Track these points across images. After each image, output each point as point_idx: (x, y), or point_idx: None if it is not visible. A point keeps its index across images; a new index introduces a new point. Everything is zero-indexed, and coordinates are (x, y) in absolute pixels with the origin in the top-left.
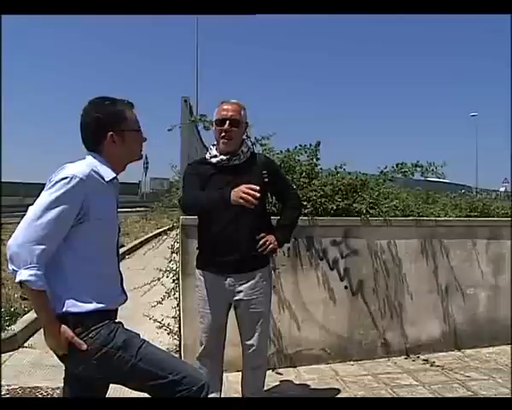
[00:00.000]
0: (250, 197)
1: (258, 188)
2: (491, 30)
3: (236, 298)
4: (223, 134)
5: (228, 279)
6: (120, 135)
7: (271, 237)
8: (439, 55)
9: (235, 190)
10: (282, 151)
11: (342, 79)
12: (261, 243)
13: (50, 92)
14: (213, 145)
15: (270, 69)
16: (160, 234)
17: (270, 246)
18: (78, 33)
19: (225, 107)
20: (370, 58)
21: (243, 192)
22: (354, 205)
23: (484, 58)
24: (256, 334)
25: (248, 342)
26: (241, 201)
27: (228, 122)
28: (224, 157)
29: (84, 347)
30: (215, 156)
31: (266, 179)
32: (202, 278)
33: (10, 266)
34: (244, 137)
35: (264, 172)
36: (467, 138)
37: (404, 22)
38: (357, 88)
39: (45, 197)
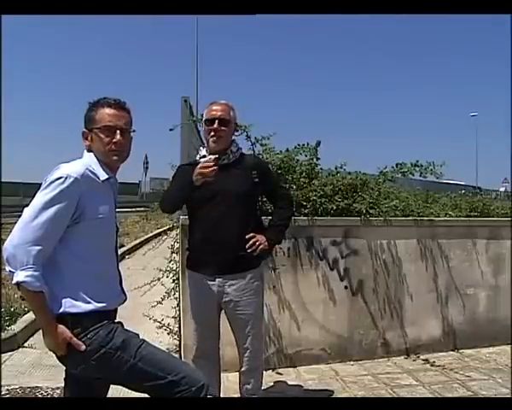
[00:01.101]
0: (207, 169)
1: (213, 157)
2: (491, 30)
3: (225, 299)
4: (212, 133)
5: (216, 280)
6: (93, 133)
7: (261, 237)
8: (439, 56)
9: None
10: (281, 151)
11: (342, 78)
12: (250, 243)
13: (50, 92)
14: (203, 146)
15: (271, 69)
16: (160, 234)
17: (260, 246)
18: (79, 33)
19: (214, 107)
20: (370, 58)
21: (200, 167)
22: (354, 205)
23: (484, 58)
24: (249, 337)
25: (243, 345)
26: (200, 177)
27: (217, 121)
28: (213, 157)
29: (83, 347)
30: (204, 157)
31: (256, 180)
32: (192, 279)
33: (7, 268)
34: (234, 137)
35: (254, 172)
36: (467, 138)
37: (405, 22)
38: (358, 88)
39: (40, 198)
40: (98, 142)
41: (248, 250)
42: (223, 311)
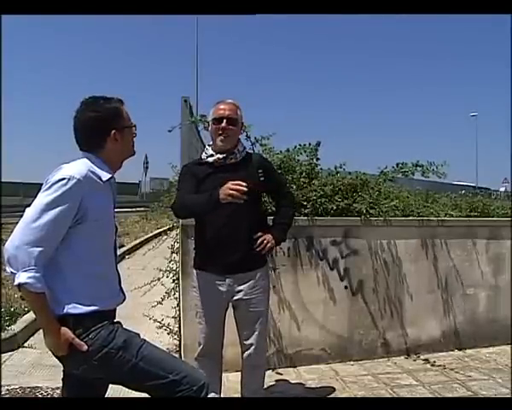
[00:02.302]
0: (238, 193)
1: (244, 184)
2: (491, 30)
3: (236, 298)
4: (220, 132)
5: (227, 280)
6: (121, 132)
7: (269, 236)
8: (440, 55)
9: (223, 187)
10: (281, 151)
11: (342, 78)
12: (259, 242)
13: (50, 92)
14: (209, 145)
15: (271, 69)
16: (160, 234)
17: (268, 245)
18: (78, 33)
19: (222, 106)
20: (370, 58)
21: (230, 189)
22: (354, 205)
23: (484, 58)
24: (255, 333)
25: (248, 342)
26: (230, 198)
27: (225, 121)
28: (221, 156)
29: (85, 348)
30: (211, 156)
31: (262, 178)
32: (201, 279)
33: (8, 269)
34: (239, 136)
35: (260, 170)
36: (467, 138)
37: (405, 22)
38: (358, 88)
39: (42, 199)
40: (128, 140)
41: (257, 249)
42: (227, 311)
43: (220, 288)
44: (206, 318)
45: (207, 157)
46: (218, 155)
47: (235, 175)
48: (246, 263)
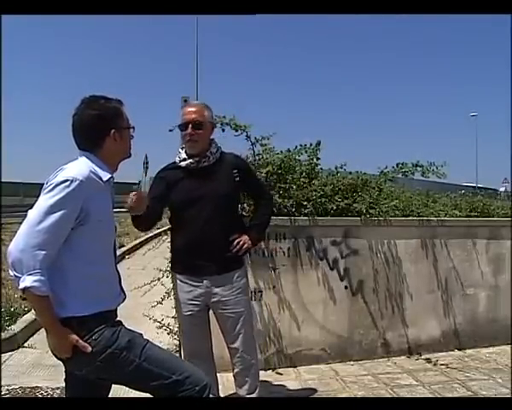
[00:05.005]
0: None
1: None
2: (492, 30)
3: (213, 300)
4: (187, 138)
5: (204, 282)
6: (120, 132)
7: (245, 238)
8: (440, 55)
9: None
10: (282, 151)
11: (342, 78)
12: (235, 243)
13: (50, 92)
14: (182, 148)
15: (271, 69)
16: (160, 234)
17: (245, 246)
18: (78, 33)
19: (188, 110)
20: (370, 58)
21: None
22: (354, 205)
23: (484, 58)
24: (240, 336)
25: (234, 346)
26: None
27: (190, 126)
28: (193, 160)
29: (89, 349)
30: (184, 160)
31: (237, 179)
32: (178, 281)
33: (12, 272)
34: (212, 137)
35: (235, 171)
36: (467, 138)
37: (405, 22)
38: (358, 88)
39: (45, 201)
40: (126, 140)
41: (233, 251)
42: (209, 312)
43: (197, 290)
44: (186, 320)
45: (180, 161)
46: (190, 160)
47: (208, 179)
48: (223, 265)
